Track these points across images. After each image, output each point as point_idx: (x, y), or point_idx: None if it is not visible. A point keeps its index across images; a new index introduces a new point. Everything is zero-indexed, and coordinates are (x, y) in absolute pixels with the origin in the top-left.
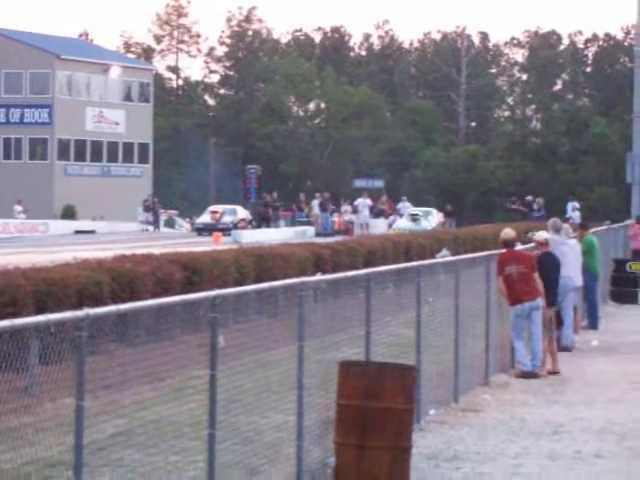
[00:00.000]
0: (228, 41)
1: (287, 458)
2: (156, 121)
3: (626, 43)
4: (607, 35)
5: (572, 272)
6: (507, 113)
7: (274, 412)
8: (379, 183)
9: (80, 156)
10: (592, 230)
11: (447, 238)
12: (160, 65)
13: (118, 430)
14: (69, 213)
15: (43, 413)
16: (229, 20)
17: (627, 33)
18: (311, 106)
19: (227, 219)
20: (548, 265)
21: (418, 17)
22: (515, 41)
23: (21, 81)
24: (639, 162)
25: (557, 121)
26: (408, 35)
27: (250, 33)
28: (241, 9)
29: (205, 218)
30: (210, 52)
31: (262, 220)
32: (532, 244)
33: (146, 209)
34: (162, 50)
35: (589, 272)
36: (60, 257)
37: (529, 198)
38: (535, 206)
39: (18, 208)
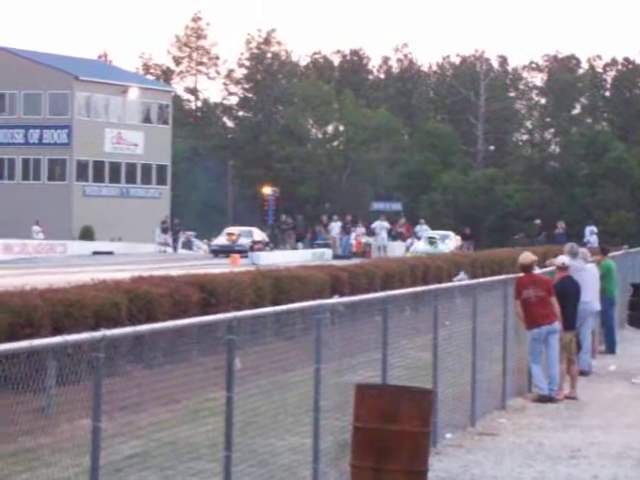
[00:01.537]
0: (247, 63)
1: None
2: (175, 143)
3: None
4: (626, 59)
5: (590, 297)
6: (525, 137)
7: (290, 434)
8: (397, 206)
9: (98, 177)
10: (610, 254)
11: (465, 262)
12: (179, 87)
13: (135, 452)
14: (87, 234)
15: (60, 434)
16: (248, 42)
17: None
18: (329, 128)
19: (243, 241)
20: (568, 289)
21: (437, 40)
22: (534, 65)
23: (40, 102)
24: None
25: (576, 145)
26: (427, 58)
27: (269, 55)
28: (260, 31)
29: (221, 240)
30: (229, 74)
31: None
32: (552, 268)
33: (164, 230)
34: (181, 72)
35: (606, 297)
36: (78, 278)
37: (538, 222)
38: (560, 230)
39: (36, 229)
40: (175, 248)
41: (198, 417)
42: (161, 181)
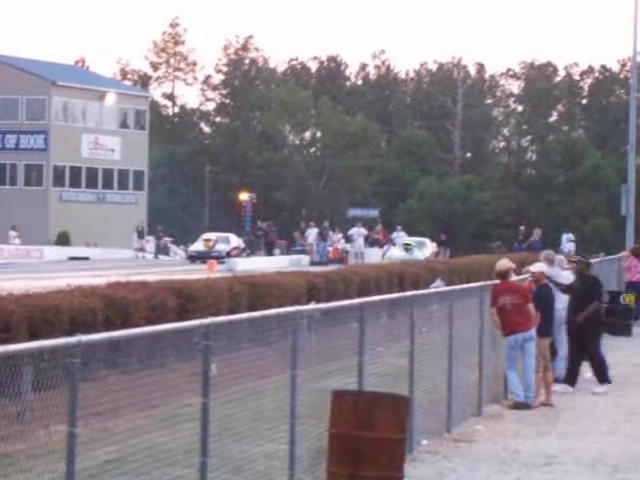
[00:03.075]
0: (224, 69)
1: None
2: (152, 148)
3: (622, 75)
4: (603, 67)
5: (566, 304)
6: (502, 144)
7: (266, 441)
8: (374, 212)
9: (75, 183)
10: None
11: (441, 268)
12: (156, 92)
13: (110, 457)
14: (64, 239)
15: (35, 440)
16: (226, 48)
17: (623, 65)
18: (307, 135)
19: (220, 247)
20: (545, 296)
21: (414, 47)
22: (511, 72)
23: (17, 107)
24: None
25: (552, 152)
26: (404, 65)
27: (247, 61)
28: (238, 38)
29: (198, 246)
30: (206, 80)
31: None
32: (527, 275)
33: (139, 235)
34: (158, 77)
35: None
36: (54, 283)
37: (522, 228)
38: (536, 237)
39: (13, 234)
40: (157, 254)
41: (174, 423)
42: (138, 187)
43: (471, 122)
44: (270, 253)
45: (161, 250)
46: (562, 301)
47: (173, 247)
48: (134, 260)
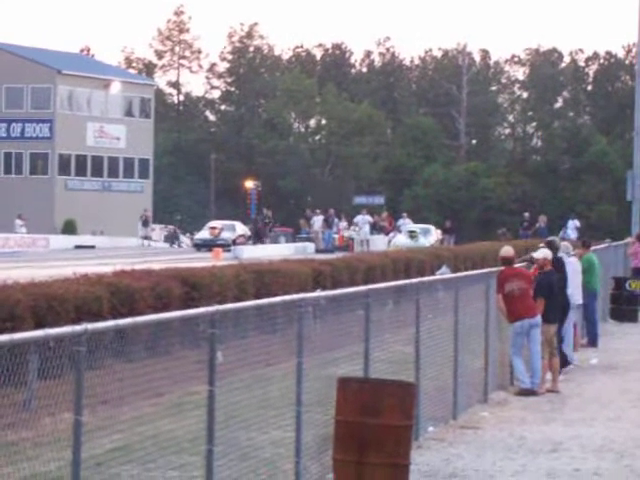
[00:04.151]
0: (229, 57)
1: (285, 474)
2: (157, 136)
3: (627, 61)
4: (608, 53)
5: (572, 290)
6: (508, 130)
7: (272, 428)
8: (379, 200)
9: (81, 171)
10: (592, 248)
11: (447, 255)
12: (161, 81)
13: (116, 445)
14: (70, 228)
15: (41, 428)
16: (230, 36)
17: (628, 51)
18: (312, 122)
19: (226, 235)
20: (551, 282)
21: (419, 34)
22: (516, 59)
23: (22, 96)
24: None
25: (558, 139)
26: (409, 52)
27: (251, 49)
28: (243, 25)
29: (204, 234)
30: (211, 68)
31: (257, 236)
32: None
33: (144, 224)
34: (163, 65)
35: (589, 290)
36: (60, 272)
37: (526, 215)
38: (541, 224)
39: (19, 222)
40: (173, 242)
41: (180, 411)
42: (143, 175)
43: (476, 109)
44: (261, 241)
45: (166, 238)
46: (570, 287)
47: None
48: (140, 248)
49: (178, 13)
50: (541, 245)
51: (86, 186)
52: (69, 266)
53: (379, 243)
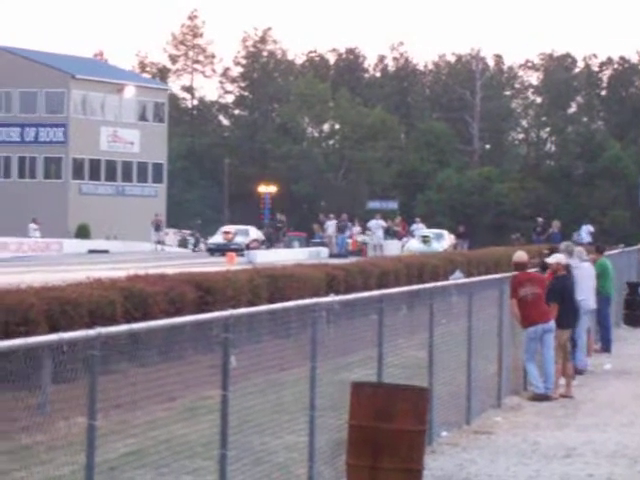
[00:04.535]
0: (243, 62)
1: (299, 479)
2: (170, 141)
3: None
4: (622, 58)
5: (585, 295)
6: (521, 135)
7: (286, 433)
8: (393, 204)
9: (94, 175)
10: (606, 253)
11: (460, 260)
12: (175, 85)
13: (130, 450)
14: (83, 232)
15: (55, 432)
16: (244, 41)
17: None
18: (325, 127)
19: (239, 240)
20: (565, 287)
21: (433, 39)
22: (530, 64)
23: (36, 100)
24: None
25: (571, 144)
26: (423, 57)
27: (265, 54)
28: (256, 30)
29: (217, 238)
30: (225, 72)
31: (269, 241)
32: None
33: (157, 228)
34: (177, 70)
35: (602, 295)
36: (73, 276)
37: (540, 220)
38: (555, 229)
39: (33, 226)
40: (195, 247)
41: (193, 415)
42: (157, 179)
43: (490, 114)
44: (273, 245)
45: (180, 243)
46: (583, 292)
47: (192, 240)
48: (153, 253)
49: (192, 18)
50: (545, 251)
51: (100, 190)
52: (82, 270)
53: (392, 248)
